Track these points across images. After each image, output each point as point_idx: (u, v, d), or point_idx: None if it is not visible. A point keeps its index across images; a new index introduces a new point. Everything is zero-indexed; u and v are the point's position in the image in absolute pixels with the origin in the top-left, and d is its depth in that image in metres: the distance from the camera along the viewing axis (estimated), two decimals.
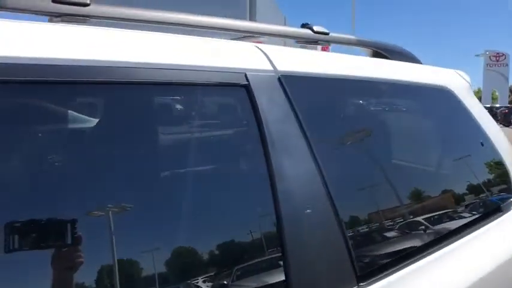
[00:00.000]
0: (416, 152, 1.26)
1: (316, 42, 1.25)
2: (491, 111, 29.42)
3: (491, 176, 1.47)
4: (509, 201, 1.46)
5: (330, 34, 1.29)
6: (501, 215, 1.39)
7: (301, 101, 0.92)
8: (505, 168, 1.48)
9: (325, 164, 0.87)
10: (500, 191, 1.48)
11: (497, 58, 41.98)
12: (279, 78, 0.90)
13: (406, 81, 1.28)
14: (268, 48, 0.96)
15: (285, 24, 18.88)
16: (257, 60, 0.90)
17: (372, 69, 1.18)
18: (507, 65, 41.44)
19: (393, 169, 1.15)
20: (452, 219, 1.27)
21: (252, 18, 13.38)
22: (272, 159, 0.79)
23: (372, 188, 1.03)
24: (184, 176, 0.78)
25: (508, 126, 24.62)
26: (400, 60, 1.46)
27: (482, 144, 1.44)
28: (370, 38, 1.43)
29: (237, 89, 0.83)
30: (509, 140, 1.56)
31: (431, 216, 1.20)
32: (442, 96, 1.40)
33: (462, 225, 1.25)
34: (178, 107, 0.82)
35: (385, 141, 1.16)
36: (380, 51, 1.47)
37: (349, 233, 0.87)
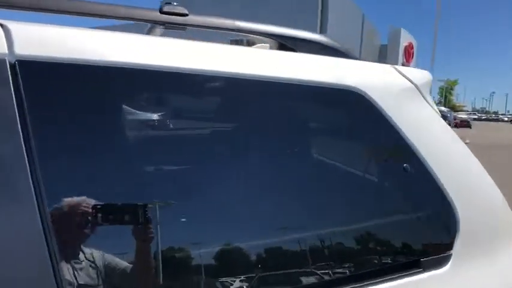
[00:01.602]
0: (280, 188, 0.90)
1: (164, 24, 1.00)
2: None
3: (416, 215, 1.05)
4: (448, 253, 1.01)
5: (189, 16, 1.01)
6: (419, 273, 0.97)
7: (50, 106, 0.67)
8: (446, 202, 1.03)
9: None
10: (431, 237, 1.05)
11: None
12: (13, 65, 0.69)
13: (277, 78, 0.94)
14: (17, 25, 0.75)
15: (362, 22, 16.25)
16: None
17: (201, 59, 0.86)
18: None
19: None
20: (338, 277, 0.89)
21: (324, 15, 12.30)
22: None
23: None
24: None
25: None
26: (318, 54, 1.11)
27: (405, 170, 1.03)
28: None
29: None
30: None
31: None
32: (340, 101, 1.02)
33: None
34: None
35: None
36: (281, 42, 1.14)
37: None
